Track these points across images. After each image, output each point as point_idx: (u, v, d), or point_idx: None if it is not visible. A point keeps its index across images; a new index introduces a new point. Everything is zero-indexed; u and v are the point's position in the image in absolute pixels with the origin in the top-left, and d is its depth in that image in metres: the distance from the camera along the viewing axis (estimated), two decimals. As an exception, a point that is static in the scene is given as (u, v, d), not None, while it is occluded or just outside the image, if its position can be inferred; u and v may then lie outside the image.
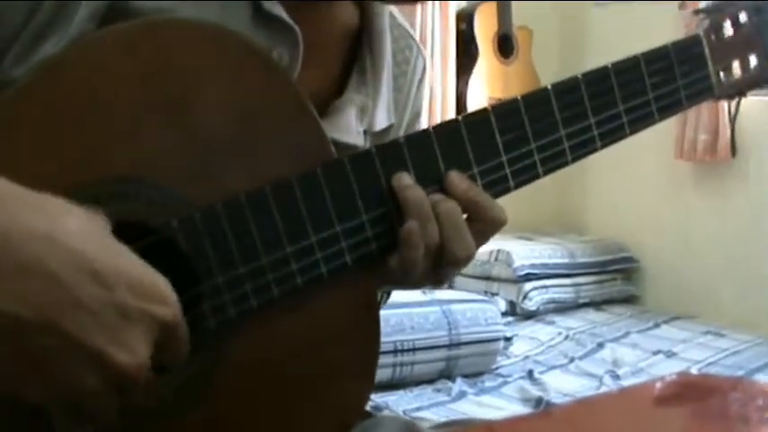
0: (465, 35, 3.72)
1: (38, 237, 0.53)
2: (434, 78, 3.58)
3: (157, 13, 0.68)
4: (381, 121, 0.83)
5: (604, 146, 0.76)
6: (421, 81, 0.91)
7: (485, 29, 3.71)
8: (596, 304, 3.60)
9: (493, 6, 3.72)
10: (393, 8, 0.87)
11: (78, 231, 0.55)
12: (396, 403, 2.41)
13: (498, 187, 0.73)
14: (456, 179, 0.70)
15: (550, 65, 3.84)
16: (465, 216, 0.71)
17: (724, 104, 3.37)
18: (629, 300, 3.75)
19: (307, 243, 0.66)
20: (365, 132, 0.81)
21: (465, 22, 3.72)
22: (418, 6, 3.55)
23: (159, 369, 0.59)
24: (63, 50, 0.65)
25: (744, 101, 3.39)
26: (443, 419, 1.87)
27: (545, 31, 3.97)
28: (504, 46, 3.75)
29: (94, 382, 0.55)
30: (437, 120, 3.42)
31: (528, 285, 3.41)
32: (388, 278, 0.71)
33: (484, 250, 3.45)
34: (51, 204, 0.56)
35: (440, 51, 3.62)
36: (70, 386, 0.55)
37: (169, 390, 0.63)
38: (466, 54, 3.70)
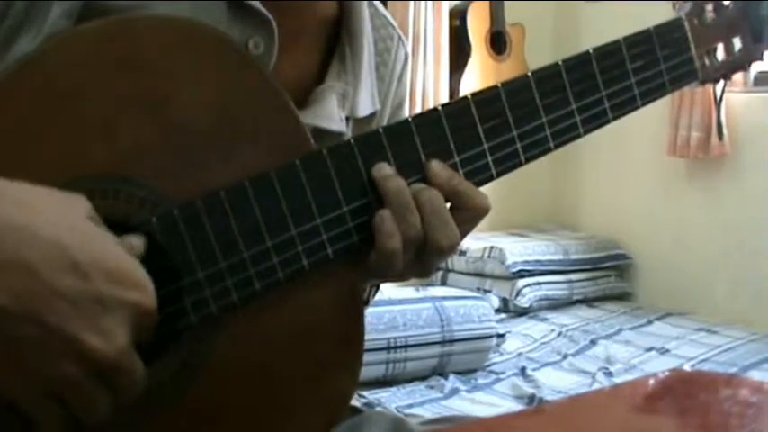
0: (458, 32, 3.72)
1: (16, 228, 0.54)
2: (427, 75, 3.58)
3: (133, 10, 0.68)
4: (365, 107, 0.82)
5: (587, 132, 0.76)
6: (403, 70, 0.90)
7: (478, 26, 3.71)
8: (589, 301, 3.60)
9: (486, 3, 3.72)
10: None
11: (56, 222, 0.56)
12: (388, 400, 2.40)
13: (480, 176, 0.72)
14: (437, 168, 0.70)
15: (543, 62, 3.75)
16: (448, 205, 0.70)
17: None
18: (622, 297, 3.75)
19: (287, 236, 0.66)
20: (348, 119, 0.81)
21: (458, 18, 3.72)
22: (411, 3, 3.55)
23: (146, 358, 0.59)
24: (38, 48, 0.65)
25: (738, 97, 3.39)
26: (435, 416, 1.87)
27: (538, 28, 3.97)
28: (497, 43, 3.75)
29: (73, 369, 0.55)
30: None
31: (521, 282, 3.41)
32: (371, 271, 0.70)
33: (477, 247, 3.45)
34: (30, 195, 0.56)
35: (433, 48, 3.61)
36: (49, 376, 0.55)
37: (154, 385, 0.63)
38: (459, 51, 3.70)
